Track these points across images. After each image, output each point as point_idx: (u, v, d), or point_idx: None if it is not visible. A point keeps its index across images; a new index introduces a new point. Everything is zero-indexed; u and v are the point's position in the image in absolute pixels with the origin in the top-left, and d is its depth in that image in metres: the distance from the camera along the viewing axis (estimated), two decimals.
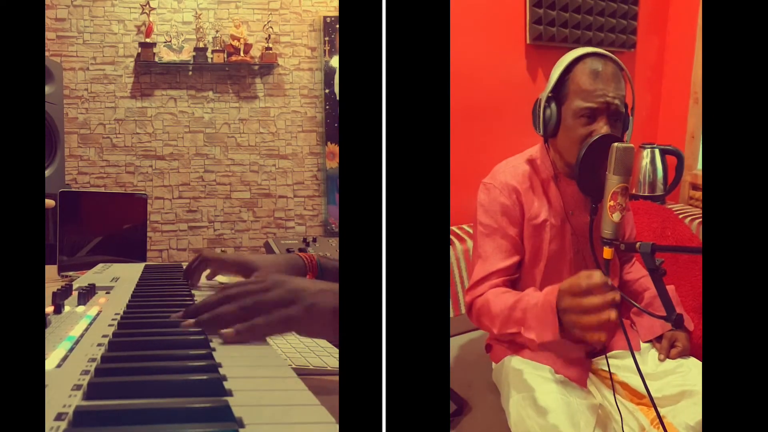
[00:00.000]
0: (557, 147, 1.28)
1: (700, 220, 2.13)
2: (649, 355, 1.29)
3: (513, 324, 1.13)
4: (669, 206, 2.24)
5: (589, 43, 2.43)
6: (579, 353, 1.31)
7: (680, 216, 2.12)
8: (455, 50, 1.87)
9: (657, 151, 2.41)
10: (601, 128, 1.19)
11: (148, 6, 3.63)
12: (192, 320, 0.66)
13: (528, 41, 2.29)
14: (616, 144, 1.07)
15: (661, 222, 1.98)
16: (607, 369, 1.28)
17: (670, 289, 1.14)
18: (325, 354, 0.89)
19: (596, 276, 0.95)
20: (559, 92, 1.24)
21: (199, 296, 0.88)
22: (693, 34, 2.64)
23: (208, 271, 1.06)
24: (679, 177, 2.40)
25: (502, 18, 2.26)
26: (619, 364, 1.27)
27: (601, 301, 0.93)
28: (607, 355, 1.30)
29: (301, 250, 2.91)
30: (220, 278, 1.09)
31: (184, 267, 1.09)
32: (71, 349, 0.56)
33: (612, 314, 0.93)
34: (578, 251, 1.30)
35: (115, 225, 1.76)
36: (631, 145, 1.09)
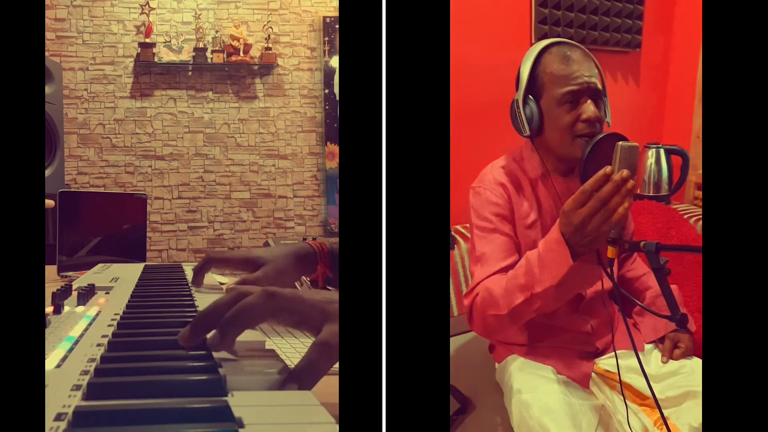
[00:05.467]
0: (545, 143, 1.27)
1: None
2: (653, 356, 1.29)
3: (521, 291, 1.10)
4: (674, 206, 2.23)
5: (594, 43, 2.43)
6: (581, 353, 1.31)
7: (685, 216, 2.11)
8: (459, 50, 1.87)
9: (662, 151, 2.40)
10: (588, 108, 1.19)
11: (147, 6, 3.63)
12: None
13: (533, 41, 2.29)
14: (620, 143, 1.07)
15: (665, 222, 1.98)
16: (609, 370, 1.28)
17: (674, 289, 1.14)
18: None
19: (589, 181, 1.00)
20: (533, 88, 1.24)
21: (199, 297, 0.88)
22: (698, 34, 2.64)
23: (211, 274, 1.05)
24: (684, 177, 2.39)
25: (508, 18, 2.26)
26: (623, 365, 1.27)
27: (613, 185, 0.98)
28: (611, 355, 1.30)
29: None
30: (220, 278, 1.08)
31: (185, 267, 1.09)
32: (71, 350, 0.56)
33: (629, 185, 0.98)
34: None
35: (115, 225, 1.76)
36: (636, 144, 1.08)
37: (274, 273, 0.95)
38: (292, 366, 0.54)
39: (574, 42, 1.26)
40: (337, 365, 0.58)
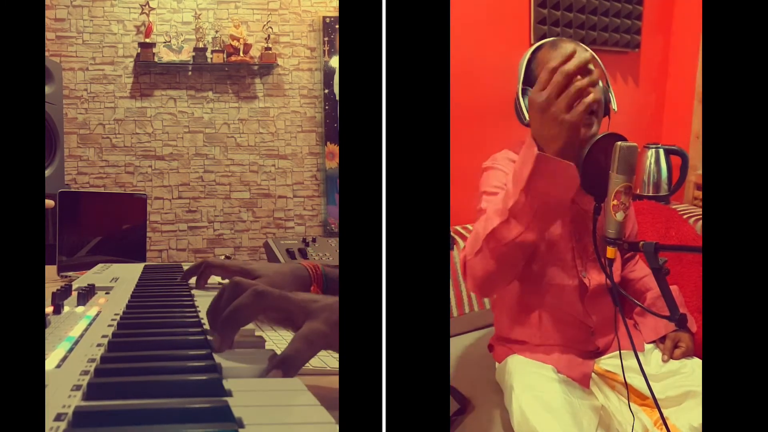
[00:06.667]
0: None
1: None
2: (653, 356, 1.29)
3: (499, 215, 1.08)
4: (673, 206, 2.24)
5: (593, 43, 2.43)
6: (582, 352, 1.32)
7: (684, 216, 2.12)
8: (459, 50, 1.86)
9: (661, 151, 2.41)
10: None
11: (147, 6, 3.62)
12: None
13: (532, 41, 2.28)
14: (619, 143, 1.07)
15: (665, 222, 1.98)
16: (609, 370, 1.28)
17: (674, 289, 1.14)
18: (324, 354, 0.88)
19: (553, 61, 0.97)
20: (529, 79, 1.30)
21: (199, 295, 0.88)
22: (698, 34, 2.64)
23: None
24: (683, 177, 2.40)
25: (507, 18, 2.26)
26: (623, 365, 1.27)
27: (579, 61, 0.94)
28: (611, 355, 1.30)
29: (300, 250, 2.91)
30: (219, 279, 1.08)
31: (184, 268, 1.09)
32: (71, 350, 0.56)
33: (594, 76, 0.94)
34: (580, 239, 1.30)
35: (115, 225, 1.76)
36: (635, 144, 1.08)
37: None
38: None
39: (570, 40, 1.31)
40: (337, 365, 0.58)
